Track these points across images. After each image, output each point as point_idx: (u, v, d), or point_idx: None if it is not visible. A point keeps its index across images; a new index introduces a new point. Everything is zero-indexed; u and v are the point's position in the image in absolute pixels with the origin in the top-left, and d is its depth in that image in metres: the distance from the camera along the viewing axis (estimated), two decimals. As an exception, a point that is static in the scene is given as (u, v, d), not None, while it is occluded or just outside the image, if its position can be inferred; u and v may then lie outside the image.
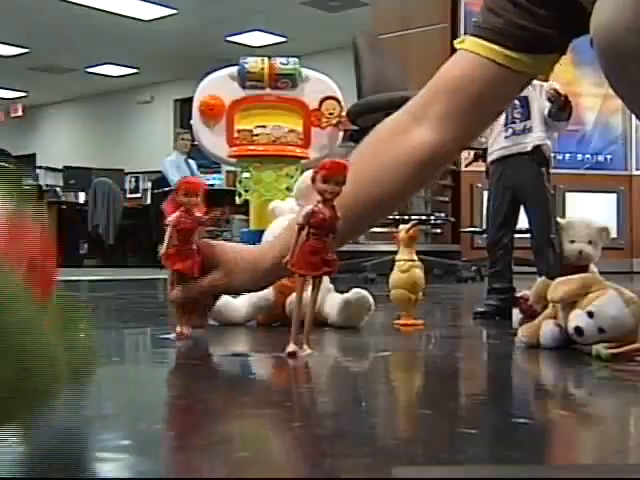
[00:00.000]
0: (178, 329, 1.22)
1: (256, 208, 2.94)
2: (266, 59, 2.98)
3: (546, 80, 1.56)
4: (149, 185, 8.90)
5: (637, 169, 5.72)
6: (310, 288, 1.08)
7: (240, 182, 3.01)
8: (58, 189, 9.34)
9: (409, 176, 1.13)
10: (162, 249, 1.20)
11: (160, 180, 7.64)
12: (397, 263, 1.58)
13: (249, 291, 1.30)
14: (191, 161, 7.51)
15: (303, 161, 2.98)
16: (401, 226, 1.60)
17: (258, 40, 10.16)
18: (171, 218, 1.19)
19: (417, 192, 3.75)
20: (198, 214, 1.21)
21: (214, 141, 2.99)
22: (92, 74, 12.09)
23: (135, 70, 11.92)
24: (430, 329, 1.58)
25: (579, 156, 5.64)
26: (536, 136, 1.83)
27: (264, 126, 2.93)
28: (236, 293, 1.23)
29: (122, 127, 12.96)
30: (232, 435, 0.68)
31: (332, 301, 1.54)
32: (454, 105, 1.10)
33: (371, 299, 1.54)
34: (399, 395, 0.94)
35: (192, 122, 3.00)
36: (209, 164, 7.36)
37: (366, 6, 7.32)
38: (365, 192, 1.12)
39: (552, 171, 1.86)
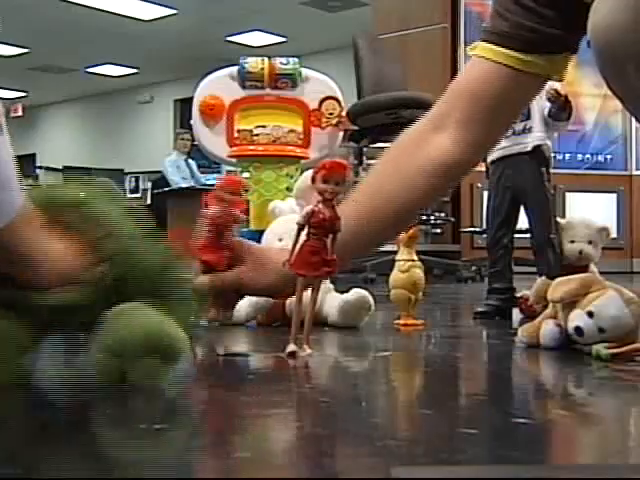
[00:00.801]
0: None
1: (256, 208, 2.94)
2: (266, 59, 2.98)
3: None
4: (149, 185, 8.89)
5: (637, 169, 5.71)
6: (310, 288, 1.08)
7: (240, 182, 3.00)
8: (58, 189, 9.33)
9: (432, 184, 1.13)
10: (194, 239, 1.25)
11: (160, 180, 7.64)
12: (397, 263, 1.58)
13: (273, 293, 1.28)
14: (191, 161, 7.51)
15: (303, 161, 2.98)
16: (401, 226, 1.60)
17: (258, 40, 10.16)
18: (210, 212, 1.22)
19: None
20: (236, 211, 1.23)
21: (214, 141, 2.99)
22: (92, 74, 12.09)
23: (135, 70, 11.92)
24: (430, 329, 1.58)
25: (579, 156, 5.64)
26: (536, 136, 1.83)
27: (264, 126, 2.93)
28: (259, 292, 1.23)
29: (122, 127, 12.96)
30: (232, 435, 0.68)
31: (332, 301, 1.54)
32: (472, 111, 1.10)
33: (371, 299, 1.54)
34: (399, 395, 0.94)
35: (192, 122, 3.00)
36: (209, 164, 7.35)
37: (366, 6, 7.32)
38: (388, 202, 1.12)
39: (552, 171, 1.86)
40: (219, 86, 2.99)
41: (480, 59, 1.10)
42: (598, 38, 0.88)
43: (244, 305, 1.54)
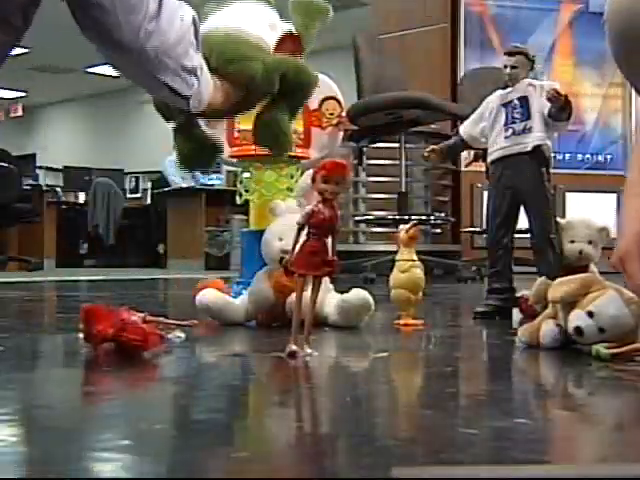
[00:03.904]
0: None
1: (256, 208, 2.94)
2: (266, 59, 2.98)
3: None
4: (149, 185, 8.90)
5: (637, 169, 5.71)
6: (310, 288, 1.08)
7: (241, 182, 3.00)
8: (58, 189, 9.33)
9: None
10: None
11: (160, 180, 7.65)
12: (397, 263, 1.58)
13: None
14: (191, 161, 7.51)
15: (303, 161, 2.98)
16: (401, 226, 1.60)
17: (258, 40, 10.16)
18: None
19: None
20: None
21: (214, 141, 2.98)
22: (92, 74, 12.08)
23: (135, 70, 11.91)
24: (430, 329, 1.58)
25: (579, 156, 5.64)
26: (536, 136, 1.83)
27: (264, 126, 2.93)
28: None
29: (122, 127, 12.96)
30: (232, 435, 0.68)
31: (332, 301, 1.54)
32: None
33: (371, 299, 1.54)
34: (399, 395, 0.94)
35: (192, 122, 3.00)
36: (209, 164, 7.35)
37: (366, 6, 7.31)
38: None
39: (552, 171, 1.85)
40: (219, 86, 2.99)
41: None
42: (614, 22, 0.89)
43: (244, 305, 1.54)
